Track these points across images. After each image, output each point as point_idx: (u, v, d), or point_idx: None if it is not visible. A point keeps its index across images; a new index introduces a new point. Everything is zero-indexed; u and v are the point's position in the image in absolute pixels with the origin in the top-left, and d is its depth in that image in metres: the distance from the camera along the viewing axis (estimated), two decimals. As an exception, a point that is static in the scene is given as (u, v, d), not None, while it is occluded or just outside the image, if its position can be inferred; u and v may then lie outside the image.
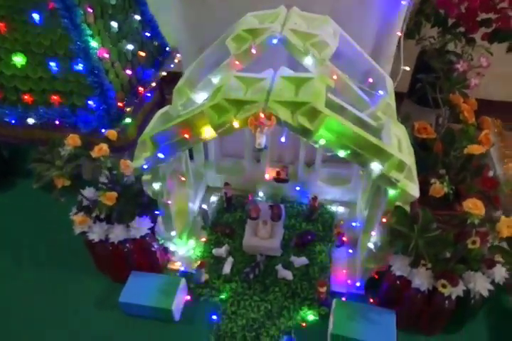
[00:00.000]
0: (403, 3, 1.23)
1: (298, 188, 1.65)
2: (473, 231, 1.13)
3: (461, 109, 1.49)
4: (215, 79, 1.16)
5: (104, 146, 1.12)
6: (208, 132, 1.05)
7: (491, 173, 1.48)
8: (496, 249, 1.08)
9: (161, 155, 1.11)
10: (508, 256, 1.07)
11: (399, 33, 1.22)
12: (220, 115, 1.01)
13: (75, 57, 1.34)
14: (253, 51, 1.07)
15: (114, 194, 1.15)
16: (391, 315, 1.26)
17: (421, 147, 1.46)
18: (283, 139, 1.01)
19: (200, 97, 1.22)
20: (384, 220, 1.14)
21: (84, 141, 1.20)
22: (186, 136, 1.06)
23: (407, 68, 1.16)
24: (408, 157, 1.08)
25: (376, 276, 1.34)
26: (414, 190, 1.09)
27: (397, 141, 1.10)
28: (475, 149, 1.21)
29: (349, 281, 1.41)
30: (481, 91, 1.66)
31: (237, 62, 1.12)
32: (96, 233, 1.26)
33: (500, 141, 1.82)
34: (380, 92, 1.15)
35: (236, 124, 0.99)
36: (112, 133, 1.19)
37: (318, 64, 1.08)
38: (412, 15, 1.46)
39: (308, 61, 1.08)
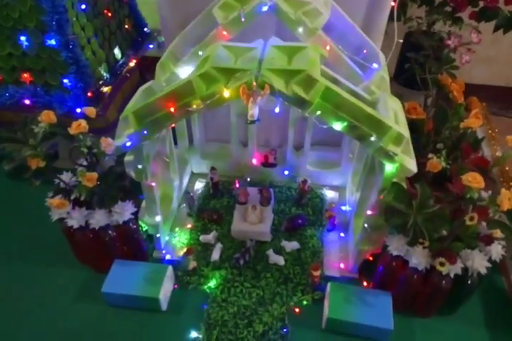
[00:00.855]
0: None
1: (287, 172, 1.60)
2: (470, 207, 1.10)
3: (451, 88, 1.47)
4: (202, 51, 1.09)
5: (83, 122, 1.04)
6: (195, 104, 0.98)
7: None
8: (495, 224, 1.05)
9: (145, 132, 1.04)
10: (507, 231, 1.04)
11: (392, 3, 1.18)
12: (209, 85, 0.95)
13: (47, 30, 1.25)
14: (242, 20, 1.02)
15: (95, 174, 1.06)
16: (387, 297, 1.22)
17: (410, 128, 1.43)
18: (277, 110, 0.95)
19: (185, 71, 1.15)
20: (381, 197, 1.10)
21: (59, 123, 1.11)
22: (172, 109, 0.99)
23: (401, 40, 1.13)
24: (405, 130, 1.04)
25: (370, 258, 1.30)
26: (411, 164, 1.05)
27: (394, 114, 1.06)
28: (472, 123, 1.18)
29: (342, 265, 1.37)
30: (465, 75, 1.65)
31: (224, 33, 1.06)
32: (75, 219, 1.17)
33: (486, 124, 1.82)
34: (374, 65, 1.11)
35: (226, 94, 0.93)
36: (90, 111, 1.11)
37: (310, 33, 1.03)
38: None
39: (300, 30, 1.03)
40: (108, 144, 1.04)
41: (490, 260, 1.15)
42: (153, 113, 1.02)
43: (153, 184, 1.20)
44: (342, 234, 1.47)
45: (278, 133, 1.61)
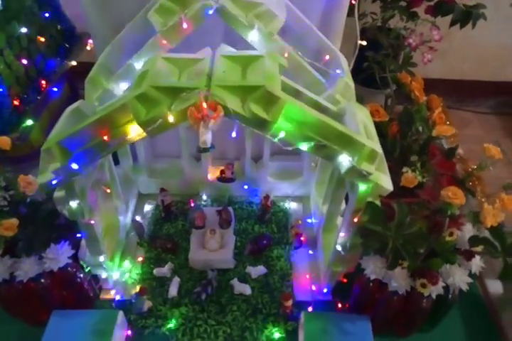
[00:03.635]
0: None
1: (246, 187, 1.46)
2: (446, 221, 1.02)
3: (412, 88, 1.39)
4: (138, 64, 0.92)
5: (-10, 160, 0.84)
6: (134, 131, 0.81)
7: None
8: (479, 241, 0.97)
9: (74, 166, 0.85)
10: (492, 248, 0.97)
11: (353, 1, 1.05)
12: (149, 108, 0.78)
13: None
14: (184, 26, 0.85)
15: (15, 221, 0.86)
16: (366, 322, 1.12)
17: (374, 132, 1.35)
18: (234, 134, 0.80)
19: (121, 88, 0.97)
20: (355, 220, 0.99)
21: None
22: (105, 137, 0.81)
23: (364, 42, 1.01)
24: (378, 144, 0.93)
25: (345, 280, 1.20)
26: (387, 183, 0.95)
27: (364, 126, 0.94)
28: (444, 131, 1.10)
29: (314, 287, 1.26)
30: (419, 70, 1.58)
31: (164, 41, 0.88)
32: (-4, 272, 0.97)
33: (446, 120, 1.77)
34: (338, 71, 0.98)
35: (171, 119, 0.77)
36: (4, 141, 0.90)
37: (265, 39, 0.88)
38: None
39: (253, 36, 0.88)
40: (28, 183, 0.84)
41: (470, 274, 1.08)
42: (83, 142, 0.84)
43: (93, 222, 1.01)
44: (310, 252, 1.35)
45: (234, 145, 1.46)
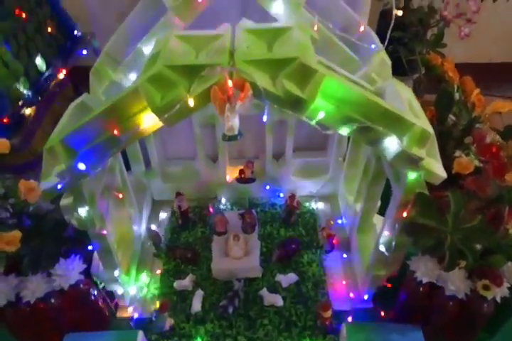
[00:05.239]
0: None
1: (268, 187, 1.34)
2: (506, 210, 0.89)
3: (444, 69, 1.27)
4: (148, 49, 0.81)
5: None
6: (148, 121, 0.70)
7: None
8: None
9: (81, 166, 0.73)
10: None
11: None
12: (165, 92, 0.66)
13: None
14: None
15: (17, 234, 0.75)
16: (417, 332, 0.98)
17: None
18: (265, 118, 0.68)
19: (129, 79, 0.86)
20: (404, 214, 0.86)
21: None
22: (115, 131, 0.70)
23: (400, 12, 0.90)
24: (427, 124, 0.80)
25: (389, 285, 1.07)
26: (439, 168, 0.82)
27: (408, 105, 0.82)
28: (500, 106, 0.97)
29: (352, 294, 1.13)
30: (446, 53, 1.47)
31: (177, 19, 0.78)
32: (0, 293, 0.85)
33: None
34: (373, 46, 0.87)
35: (191, 103, 0.65)
36: (2, 144, 0.79)
37: (292, 11, 0.77)
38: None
39: (277, 7, 0.76)
40: (31, 189, 0.73)
41: (534, 272, 0.95)
42: (90, 139, 0.73)
43: (105, 232, 0.89)
44: (344, 255, 1.23)
45: (253, 141, 1.34)
